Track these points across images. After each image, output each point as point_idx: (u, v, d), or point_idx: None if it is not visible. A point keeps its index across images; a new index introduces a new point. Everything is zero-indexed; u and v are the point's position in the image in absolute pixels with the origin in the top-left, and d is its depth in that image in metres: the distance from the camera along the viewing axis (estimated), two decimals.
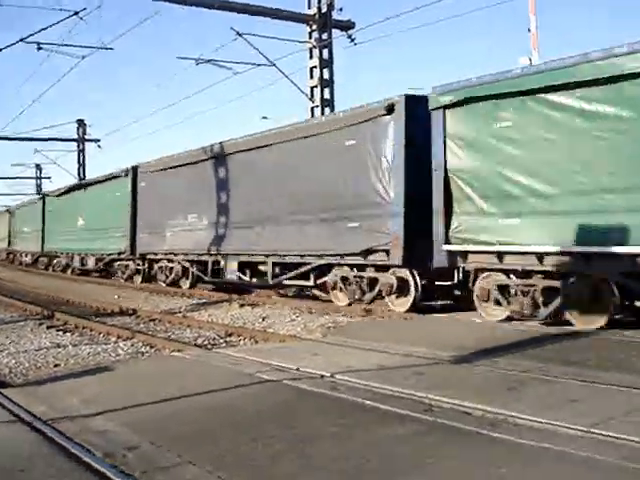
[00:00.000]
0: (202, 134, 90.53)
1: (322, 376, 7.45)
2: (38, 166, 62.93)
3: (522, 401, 6.06)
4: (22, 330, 13.77)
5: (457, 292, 13.40)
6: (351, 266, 14.68)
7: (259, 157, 17.69)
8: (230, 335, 12.20)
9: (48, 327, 14.09)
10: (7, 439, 5.70)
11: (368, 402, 6.20)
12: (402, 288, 13.72)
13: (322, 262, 15.41)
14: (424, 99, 12.71)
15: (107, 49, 19.05)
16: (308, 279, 16.13)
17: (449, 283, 13.03)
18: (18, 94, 72.34)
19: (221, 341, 11.73)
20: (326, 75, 20.83)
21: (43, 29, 17.43)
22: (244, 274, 18.53)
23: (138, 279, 25.17)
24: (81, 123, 45.66)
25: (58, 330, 13.66)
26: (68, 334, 13.07)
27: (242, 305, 16.56)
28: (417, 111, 12.95)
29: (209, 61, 20.28)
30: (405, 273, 13.60)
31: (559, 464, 4.50)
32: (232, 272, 18.81)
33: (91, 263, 29.87)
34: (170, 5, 17.74)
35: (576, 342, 9.40)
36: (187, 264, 21.76)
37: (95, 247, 28.69)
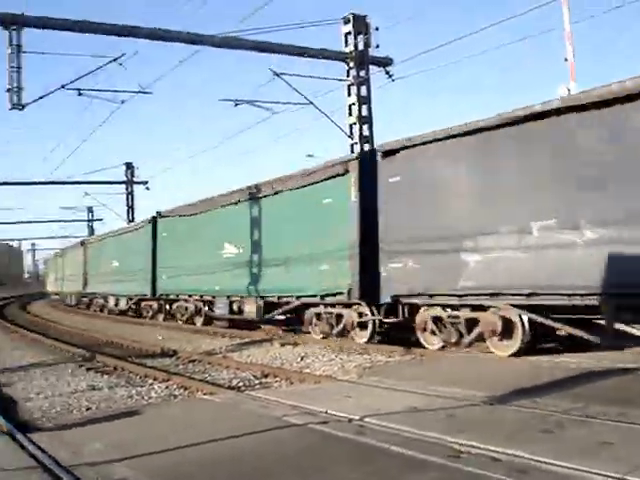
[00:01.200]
0: (248, 172, 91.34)
1: (350, 420, 7.22)
2: (90, 209, 64.20)
3: (555, 445, 5.75)
4: (62, 372, 13.79)
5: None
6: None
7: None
8: (266, 376, 12.02)
9: (88, 369, 14.10)
10: None
11: (393, 447, 5.96)
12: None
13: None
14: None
15: (146, 93, 19.23)
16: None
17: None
18: (63, 139, 74.34)
19: (256, 382, 11.55)
20: (364, 112, 20.76)
21: (83, 75, 17.75)
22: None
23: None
24: (129, 166, 46.43)
25: (97, 372, 13.66)
26: (106, 376, 13.04)
27: (283, 344, 16.40)
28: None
29: (248, 102, 20.44)
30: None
31: None
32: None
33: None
34: (207, 48, 17.88)
35: (621, 379, 8.98)
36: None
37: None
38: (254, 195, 19.36)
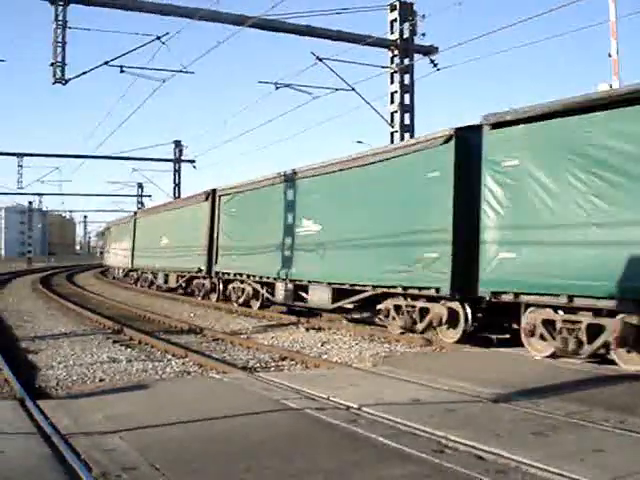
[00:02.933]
0: (291, 156, 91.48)
1: (348, 407, 7.23)
2: (140, 185, 65.16)
3: (543, 448, 5.67)
4: (89, 343, 14.07)
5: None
6: None
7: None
8: (284, 359, 12.09)
9: (114, 342, 14.35)
10: (20, 450, 5.79)
11: (381, 438, 5.94)
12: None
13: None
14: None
15: (188, 72, 19.34)
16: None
17: None
18: (109, 115, 75.44)
19: (272, 364, 11.63)
20: (407, 100, 20.59)
21: (126, 53, 17.93)
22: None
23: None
24: (178, 144, 46.95)
25: (122, 345, 13.90)
26: (129, 349, 13.26)
27: (308, 329, 16.45)
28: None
29: (288, 85, 20.43)
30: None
31: None
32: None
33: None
34: (252, 30, 17.92)
35: (631, 385, 8.79)
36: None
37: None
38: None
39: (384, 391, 8.16)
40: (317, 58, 19.24)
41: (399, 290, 14.30)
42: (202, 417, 6.79)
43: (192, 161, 45.39)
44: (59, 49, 16.84)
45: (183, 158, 46.81)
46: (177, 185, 47.42)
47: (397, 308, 14.65)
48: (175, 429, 6.43)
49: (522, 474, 5.05)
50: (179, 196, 45.27)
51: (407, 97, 20.64)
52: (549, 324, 10.99)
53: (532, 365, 10.59)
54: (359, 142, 29.38)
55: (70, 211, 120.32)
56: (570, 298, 10.50)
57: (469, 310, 12.85)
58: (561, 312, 10.87)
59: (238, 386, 8.63)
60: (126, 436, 6.16)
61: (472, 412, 7.11)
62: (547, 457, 5.35)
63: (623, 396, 8.08)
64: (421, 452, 5.51)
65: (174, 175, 47.50)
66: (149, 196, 65.69)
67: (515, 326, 12.40)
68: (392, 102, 20.73)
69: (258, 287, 21.83)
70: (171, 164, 47.39)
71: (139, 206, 68.52)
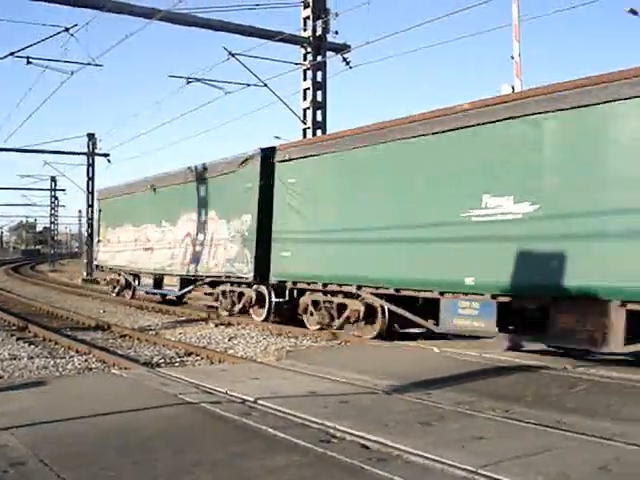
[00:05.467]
0: (208, 151, 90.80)
1: (244, 401, 7.29)
2: (53, 178, 63.60)
3: (427, 436, 5.86)
4: None
5: None
6: None
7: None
8: (189, 355, 12.10)
9: (18, 339, 14.05)
10: None
11: (271, 430, 6.03)
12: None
13: None
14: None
15: (96, 65, 19.00)
16: None
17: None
18: (18, 107, 73.20)
19: (177, 360, 11.62)
20: (319, 97, 20.76)
21: (33, 44, 17.50)
22: None
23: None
24: (91, 137, 45.91)
25: (25, 341, 13.63)
26: (32, 346, 13.01)
27: (217, 325, 16.45)
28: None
29: (199, 80, 20.30)
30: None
31: None
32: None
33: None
34: (161, 23, 17.74)
35: (521, 375, 9.15)
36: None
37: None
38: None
39: (283, 384, 8.27)
40: (229, 53, 19.19)
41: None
42: (98, 412, 6.73)
43: (106, 155, 44.47)
44: None
45: (97, 152, 45.81)
46: (90, 179, 46.32)
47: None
48: (69, 425, 6.36)
49: (402, 461, 5.21)
50: (92, 192, 44.21)
51: (319, 94, 20.79)
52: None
53: (431, 358, 10.88)
54: (277, 137, 29.25)
55: None
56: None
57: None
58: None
59: (138, 382, 8.56)
60: (18, 432, 6.06)
61: (365, 404, 7.28)
62: (429, 445, 5.53)
63: (512, 386, 8.41)
64: (308, 442, 5.62)
65: (88, 169, 46.44)
66: (63, 190, 64.21)
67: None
68: (304, 99, 20.86)
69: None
70: (85, 158, 46.28)
71: (52, 200, 67.02)
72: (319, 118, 20.77)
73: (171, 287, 21.95)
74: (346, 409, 6.96)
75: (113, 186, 28.00)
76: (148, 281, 23.68)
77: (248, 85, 20.42)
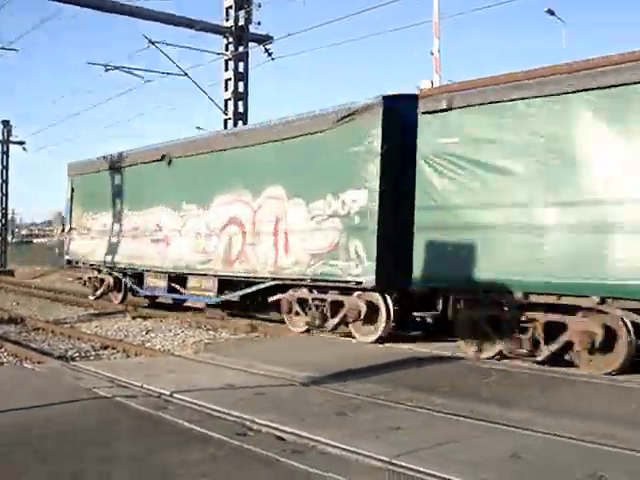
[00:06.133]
0: (130, 139, 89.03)
1: (160, 395, 7.18)
2: None
3: (343, 427, 5.89)
4: None
5: None
6: None
7: None
8: (105, 348, 11.86)
9: None
10: None
11: (187, 424, 5.95)
12: None
13: None
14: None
15: (11, 50, 18.37)
16: None
17: None
18: None
19: (92, 354, 11.38)
20: (241, 88, 20.63)
21: None
22: None
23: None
24: (6, 124, 44.35)
25: None
26: None
27: (134, 317, 16.16)
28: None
29: (118, 68, 19.88)
30: None
31: None
32: None
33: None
34: (78, 8, 17.27)
35: (440, 367, 9.32)
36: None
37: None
38: None
39: (200, 377, 8.17)
40: (150, 41, 18.86)
41: None
42: (4, 408, 6.51)
43: (22, 143, 43.09)
44: None
45: (12, 139, 44.28)
46: (5, 168, 44.82)
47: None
48: None
49: (318, 452, 5.23)
50: (6, 181, 42.84)
51: (241, 85, 20.66)
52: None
53: (354, 349, 11.00)
54: (198, 128, 28.89)
55: None
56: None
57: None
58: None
59: (51, 376, 8.33)
60: None
61: (282, 396, 7.27)
62: (345, 436, 5.56)
63: (428, 376, 8.54)
64: (224, 435, 5.57)
65: (2, 157, 44.88)
66: None
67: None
68: (226, 89, 20.70)
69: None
70: None
71: None
72: (241, 109, 20.64)
73: (201, 291, 15.40)
74: (263, 401, 6.94)
75: (92, 159, 20.23)
76: (157, 282, 16.80)
77: (168, 74, 20.14)
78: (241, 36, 20.40)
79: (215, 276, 14.84)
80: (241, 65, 20.66)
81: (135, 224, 17.81)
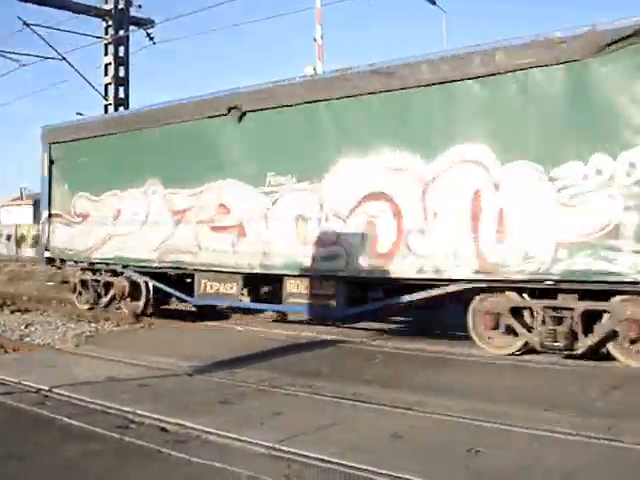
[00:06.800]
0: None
1: (38, 390, 6.97)
2: None
3: (227, 415, 5.91)
4: None
5: None
6: None
7: None
8: None
9: None
10: None
11: (66, 419, 5.81)
12: None
13: None
14: None
15: None
16: None
17: None
18: None
19: None
20: (121, 73, 20.12)
21: None
22: None
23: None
24: None
25: None
26: None
27: (13, 311, 15.52)
28: None
29: None
30: None
31: None
32: None
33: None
34: None
35: (322, 351, 9.46)
36: None
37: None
38: None
39: (80, 371, 7.97)
40: (24, 23, 18.09)
41: None
42: None
43: None
44: None
45: None
46: None
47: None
48: None
49: (202, 442, 5.22)
50: None
51: (122, 70, 20.16)
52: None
53: (236, 337, 10.99)
54: (79, 114, 27.94)
55: None
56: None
57: None
58: None
59: None
60: None
61: (166, 387, 7.20)
62: (229, 424, 5.57)
63: (312, 361, 8.68)
64: (105, 429, 5.48)
65: None
66: None
67: None
68: (106, 74, 20.14)
69: None
70: None
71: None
72: (122, 94, 20.14)
73: (313, 299, 10.98)
74: (146, 393, 6.84)
75: (87, 119, 15.84)
76: (222, 286, 12.24)
77: (46, 58, 19.37)
78: (121, 19, 19.88)
79: (340, 278, 10.63)
80: (122, 49, 20.14)
81: (176, 207, 12.96)
